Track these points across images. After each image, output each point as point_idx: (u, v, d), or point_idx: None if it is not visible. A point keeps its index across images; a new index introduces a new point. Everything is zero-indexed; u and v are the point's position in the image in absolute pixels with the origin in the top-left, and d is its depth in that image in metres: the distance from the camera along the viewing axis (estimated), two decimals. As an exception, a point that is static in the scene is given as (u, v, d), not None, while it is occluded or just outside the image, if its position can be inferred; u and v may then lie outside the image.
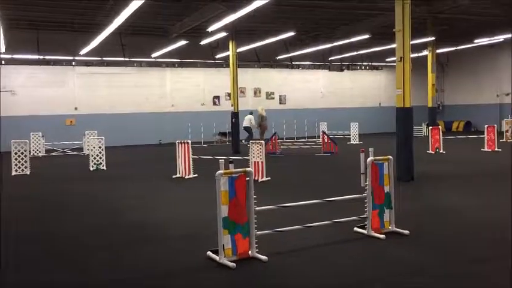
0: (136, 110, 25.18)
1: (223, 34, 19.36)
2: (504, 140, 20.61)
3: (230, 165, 5.69)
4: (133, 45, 22.93)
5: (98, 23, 18.20)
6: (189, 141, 12.86)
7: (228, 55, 20.17)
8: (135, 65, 25.25)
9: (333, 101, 29.81)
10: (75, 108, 24.02)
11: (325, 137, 18.72)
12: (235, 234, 5.47)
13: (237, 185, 5.48)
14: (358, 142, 21.94)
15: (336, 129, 25.63)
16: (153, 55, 23.88)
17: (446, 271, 5.18)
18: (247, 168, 5.65)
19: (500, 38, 24.84)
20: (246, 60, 25.13)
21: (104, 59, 23.97)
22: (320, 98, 29.74)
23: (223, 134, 24.70)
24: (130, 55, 23.63)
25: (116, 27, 16.21)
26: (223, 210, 5.39)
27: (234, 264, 5.28)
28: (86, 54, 22.36)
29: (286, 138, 25.53)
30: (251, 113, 23.77)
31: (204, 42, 21.65)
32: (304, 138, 25.95)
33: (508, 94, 28.23)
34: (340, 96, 30.10)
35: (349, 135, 23.36)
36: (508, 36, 24.06)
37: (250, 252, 5.58)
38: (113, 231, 7.27)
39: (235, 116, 19.89)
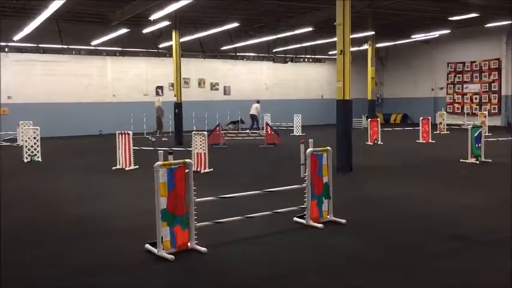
0: (75, 99, 24.27)
1: (166, 23, 18.99)
2: (438, 132, 21.61)
3: (169, 156, 5.61)
4: (72, 32, 22.06)
5: (32, 7, 17.34)
6: (130, 132, 12.57)
7: (172, 45, 19.84)
8: (73, 52, 24.29)
9: (276, 93, 30.08)
10: (8, 97, 22.79)
11: (269, 128, 18.88)
12: (174, 226, 5.41)
13: (176, 177, 5.41)
14: (301, 133, 22.27)
15: (280, 121, 25.90)
16: (93, 43, 23.08)
17: (381, 258, 5.37)
18: (186, 160, 5.59)
19: (435, 34, 26.00)
20: (190, 51, 24.85)
21: (40, 45, 22.91)
22: (264, 90, 29.91)
23: (235, 122, 25.12)
24: (68, 42, 22.72)
25: (52, 13, 15.48)
26: (162, 202, 5.32)
27: (173, 257, 5.22)
28: (20, 41, 21.26)
29: (231, 129, 25.48)
30: (258, 102, 25.00)
31: (146, 30, 21.17)
32: (248, 129, 26.02)
33: (441, 88, 29.63)
34: (284, 88, 30.41)
35: (292, 126, 23.69)
36: (443, 32, 25.22)
37: (189, 244, 5.54)
38: (48, 226, 6.98)
39: (179, 106, 19.64)
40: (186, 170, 5.51)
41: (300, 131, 22.91)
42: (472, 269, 5.00)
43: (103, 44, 22.99)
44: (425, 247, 5.73)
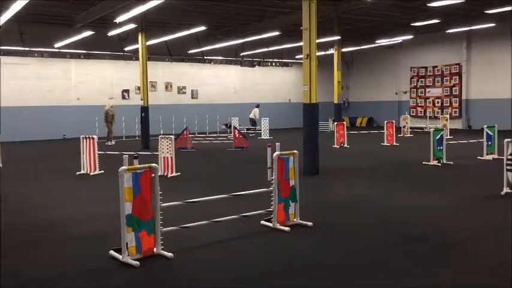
0: (38, 103, 23.66)
1: (132, 26, 18.77)
2: (402, 135, 22.09)
3: (134, 160, 5.54)
4: (34, 34, 21.55)
5: (-8, 8, 16.82)
6: (95, 136, 12.34)
7: (138, 48, 19.61)
8: (36, 55, 23.68)
9: (244, 97, 30.11)
10: (-32, 101, 22.05)
11: (237, 132, 18.89)
12: (139, 231, 5.34)
13: (141, 181, 5.35)
14: (268, 137, 22.36)
15: (248, 125, 25.94)
16: (56, 45, 22.57)
17: (346, 260, 5.44)
18: (152, 164, 5.53)
19: (399, 39, 26.62)
20: (157, 54, 24.64)
21: (1, 48, 22.23)
22: (232, 93, 29.92)
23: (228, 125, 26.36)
24: (30, 45, 22.15)
25: (13, 14, 15.06)
26: (127, 207, 5.24)
27: (138, 263, 5.15)
28: (-21, 42, 20.62)
29: (198, 133, 25.39)
30: (257, 106, 26.55)
31: (111, 33, 20.85)
32: (216, 133, 26.00)
33: (405, 92, 30.33)
34: (252, 92, 30.47)
35: (260, 130, 23.77)
36: (406, 37, 25.85)
37: (155, 249, 5.47)
38: (10, 233, 6.76)
39: (145, 110, 19.42)
40: (152, 175, 5.45)
41: (268, 135, 23.01)
42: (431, 269, 5.11)
43: (67, 46, 22.51)
44: (388, 249, 5.84)
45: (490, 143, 13.65)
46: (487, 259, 5.38)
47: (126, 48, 24.16)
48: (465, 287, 4.67)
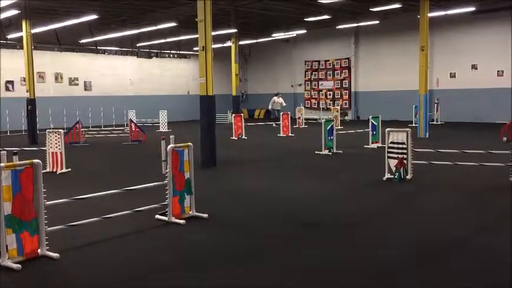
0: None
1: (14, 12, 17.33)
2: (297, 126, 22.96)
3: (14, 157, 5.16)
4: None
5: None
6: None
7: (22, 36, 18.19)
8: None
9: (142, 89, 29.34)
10: None
11: (133, 125, 18.35)
12: (21, 232, 4.99)
13: (22, 179, 5.00)
14: (167, 130, 22.02)
15: (145, 117, 25.34)
16: None
17: (241, 250, 5.54)
18: (34, 160, 5.19)
19: (293, 33, 27.55)
20: (44, 42, 23.10)
21: None
22: (129, 85, 28.99)
23: None
24: None
25: None
26: (6, 207, 4.87)
27: (19, 266, 4.82)
28: None
29: (93, 127, 24.29)
30: (276, 95, 25.62)
31: (-9, 19, 19.11)
32: (111, 126, 25.05)
33: (300, 84, 31.52)
34: (150, 84, 29.78)
35: (158, 123, 23.33)
36: (300, 32, 26.83)
37: (39, 250, 5.16)
38: None
39: (32, 103, 18.11)
40: (35, 171, 5.11)
41: (166, 127, 22.65)
42: (326, 253, 5.41)
43: None
44: (282, 237, 6.05)
45: (375, 132, 14.69)
46: (369, 240, 5.80)
47: (9, 36, 22.31)
48: (355, 267, 5.00)
